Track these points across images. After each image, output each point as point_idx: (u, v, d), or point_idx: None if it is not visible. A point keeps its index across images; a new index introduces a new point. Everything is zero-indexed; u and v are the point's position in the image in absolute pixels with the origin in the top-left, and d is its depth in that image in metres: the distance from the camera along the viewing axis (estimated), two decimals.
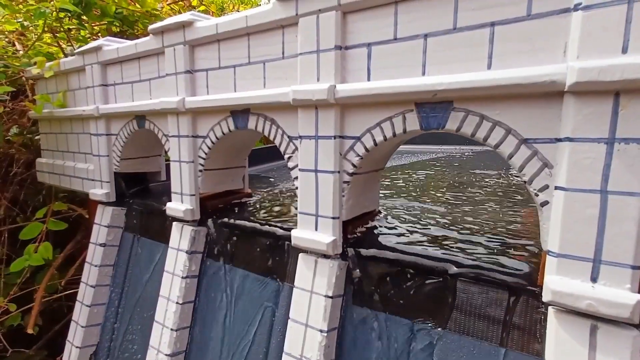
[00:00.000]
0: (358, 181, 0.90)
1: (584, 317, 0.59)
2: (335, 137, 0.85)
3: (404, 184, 1.63)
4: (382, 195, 1.37)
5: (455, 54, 0.69)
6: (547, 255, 0.63)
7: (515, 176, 1.70)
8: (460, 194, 1.42)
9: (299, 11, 0.86)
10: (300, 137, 0.90)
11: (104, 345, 1.47)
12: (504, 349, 0.71)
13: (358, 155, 0.85)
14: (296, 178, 0.94)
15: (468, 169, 1.91)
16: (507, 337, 0.71)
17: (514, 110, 0.65)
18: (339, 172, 0.86)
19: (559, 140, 0.61)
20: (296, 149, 0.94)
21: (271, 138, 1.01)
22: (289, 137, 0.96)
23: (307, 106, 0.87)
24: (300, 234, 0.91)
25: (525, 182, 0.66)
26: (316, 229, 0.90)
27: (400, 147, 2.54)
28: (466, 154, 2.36)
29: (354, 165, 0.86)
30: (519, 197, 1.35)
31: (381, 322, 0.86)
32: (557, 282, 0.60)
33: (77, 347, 1.45)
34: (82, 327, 1.45)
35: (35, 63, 1.64)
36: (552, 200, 0.62)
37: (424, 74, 0.73)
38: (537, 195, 0.64)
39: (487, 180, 1.64)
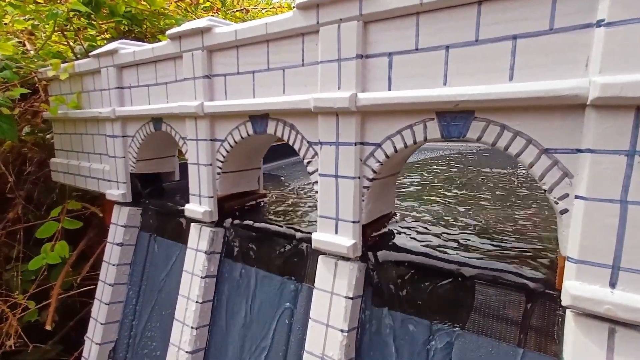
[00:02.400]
0: (377, 186, 0.92)
1: (602, 320, 0.62)
2: (356, 144, 0.87)
3: (414, 183, 1.65)
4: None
5: (477, 65, 0.71)
6: (566, 261, 0.65)
7: (522, 178, 1.72)
8: (472, 194, 1.44)
9: (320, 20, 0.87)
10: (321, 143, 0.92)
11: (123, 342, 1.51)
12: (522, 350, 0.74)
13: (378, 161, 0.87)
14: (316, 182, 0.97)
15: (477, 167, 1.93)
16: (525, 338, 0.74)
17: (534, 121, 0.67)
18: (359, 177, 0.89)
19: (580, 151, 0.63)
20: (316, 154, 0.97)
21: (290, 143, 1.03)
22: (308, 142, 0.98)
23: (328, 113, 0.89)
24: (321, 237, 0.93)
25: (545, 190, 0.68)
26: (336, 232, 0.92)
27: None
28: (474, 151, 2.37)
29: (373, 171, 0.88)
30: (526, 198, 1.37)
31: (399, 323, 0.89)
32: (576, 287, 0.62)
33: (96, 343, 1.49)
34: (101, 324, 1.49)
35: (50, 65, 1.66)
36: (571, 208, 0.65)
37: (445, 84, 0.75)
38: (557, 203, 0.67)
39: (496, 179, 1.66)
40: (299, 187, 1.68)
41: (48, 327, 1.76)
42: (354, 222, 0.89)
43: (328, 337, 0.91)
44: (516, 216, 1.16)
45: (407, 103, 0.77)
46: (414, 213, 1.20)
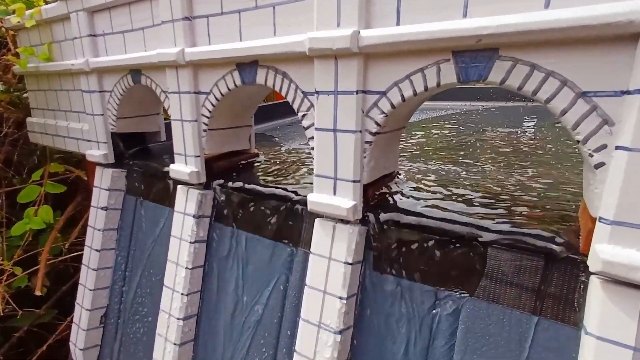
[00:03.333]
0: (380, 141, 0.82)
1: (634, 288, 0.55)
2: (357, 92, 0.76)
3: (415, 144, 1.55)
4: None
5: None
6: (597, 222, 0.57)
7: (530, 138, 1.62)
8: (477, 154, 1.35)
9: None
10: (317, 92, 0.81)
11: (114, 308, 1.47)
12: (536, 317, 0.68)
13: (382, 112, 0.76)
14: (311, 138, 0.87)
15: (482, 126, 1.83)
16: (541, 305, 0.68)
17: (572, 58, 0.57)
18: (360, 131, 0.78)
19: (627, 92, 0.53)
20: (312, 105, 0.86)
21: (283, 94, 0.91)
22: (303, 92, 0.87)
23: (326, 56, 0.77)
24: (318, 199, 0.85)
25: (578, 141, 0.59)
26: (334, 193, 0.83)
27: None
28: (477, 110, 2.26)
29: (377, 124, 0.78)
30: (535, 158, 1.28)
31: (403, 289, 0.82)
32: (608, 251, 0.55)
33: (87, 309, 1.44)
34: (90, 290, 1.44)
35: (14, 11, 1.48)
36: (609, 161, 0.56)
37: (465, 15, 0.63)
38: (592, 156, 0.57)
39: (503, 139, 1.56)
40: (294, 148, 1.58)
41: (38, 293, 1.71)
42: (354, 181, 0.80)
43: (325, 304, 0.85)
44: (526, 177, 1.08)
45: (419, 40, 0.66)
46: (418, 174, 1.11)
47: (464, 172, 1.13)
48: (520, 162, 1.24)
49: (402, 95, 0.73)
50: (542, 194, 0.92)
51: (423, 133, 1.76)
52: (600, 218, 0.57)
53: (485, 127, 1.80)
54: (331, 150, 0.82)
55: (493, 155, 1.34)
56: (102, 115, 1.38)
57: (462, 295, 0.76)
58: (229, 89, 1.01)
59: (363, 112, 0.78)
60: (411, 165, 1.22)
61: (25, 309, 2.01)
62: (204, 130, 1.10)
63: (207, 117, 1.08)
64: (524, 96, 2.07)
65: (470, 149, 1.42)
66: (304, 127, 0.90)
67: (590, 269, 0.57)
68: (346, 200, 0.81)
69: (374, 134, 0.79)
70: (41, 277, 1.76)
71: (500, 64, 0.62)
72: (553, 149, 1.38)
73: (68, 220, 2.09)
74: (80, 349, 1.44)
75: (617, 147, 0.54)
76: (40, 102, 1.71)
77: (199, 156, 1.11)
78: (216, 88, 1.03)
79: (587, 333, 0.58)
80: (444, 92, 2.66)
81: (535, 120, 1.95)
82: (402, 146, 1.50)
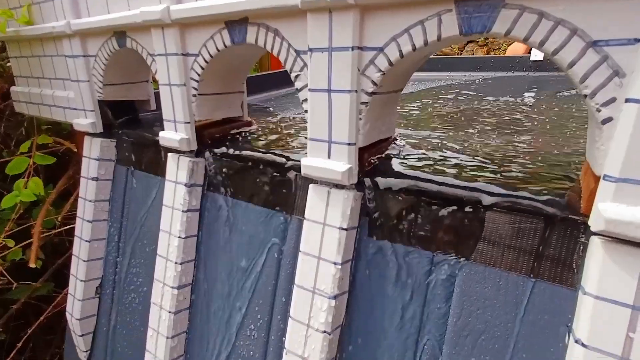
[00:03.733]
0: (377, 103, 0.78)
1: (635, 246, 0.53)
2: (353, 49, 0.71)
3: (413, 112, 1.51)
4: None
5: None
6: (601, 180, 0.55)
7: (529, 106, 1.58)
8: (475, 121, 1.32)
9: None
10: (311, 50, 0.77)
11: (109, 279, 1.46)
12: (533, 280, 0.67)
13: (379, 70, 0.72)
14: (305, 100, 0.83)
15: (481, 96, 1.78)
16: (538, 268, 0.66)
17: (582, 4, 0.52)
18: (356, 91, 0.75)
19: None
20: (305, 65, 0.81)
21: (275, 53, 0.87)
22: (296, 51, 0.82)
23: (319, 9, 0.72)
24: (311, 163, 0.82)
25: (585, 95, 0.56)
26: (329, 157, 0.80)
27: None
28: (476, 80, 2.20)
29: (374, 83, 0.74)
30: (534, 124, 1.25)
31: (398, 255, 0.81)
32: (612, 210, 0.53)
33: (81, 280, 1.44)
34: (84, 261, 1.43)
35: None
36: (618, 116, 0.53)
37: None
38: (599, 110, 0.54)
39: (501, 107, 1.52)
40: (289, 117, 1.53)
41: (32, 265, 1.71)
42: (349, 144, 0.77)
43: (320, 270, 0.84)
44: (526, 143, 1.05)
45: None
46: (416, 140, 1.08)
47: (463, 139, 1.10)
48: (520, 129, 1.21)
49: (401, 51, 0.69)
50: (542, 159, 0.90)
51: (420, 102, 1.72)
52: (604, 176, 0.54)
53: (485, 97, 1.76)
54: (325, 112, 0.78)
55: (492, 122, 1.30)
56: (88, 81, 1.32)
57: (459, 259, 0.74)
58: (218, 50, 0.95)
59: (359, 70, 0.74)
60: (409, 132, 1.19)
61: (21, 282, 2.01)
62: (194, 96, 1.06)
63: (197, 81, 1.03)
64: (524, 66, 2.01)
65: (469, 117, 1.39)
66: (297, 89, 0.85)
67: (592, 229, 0.56)
68: (341, 164, 0.78)
69: (370, 94, 0.75)
70: (35, 249, 1.75)
71: (505, 12, 0.58)
72: (555, 118, 1.35)
73: (61, 194, 2.06)
74: (77, 319, 1.45)
75: (627, 100, 0.51)
76: (24, 69, 1.64)
77: (189, 122, 1.07)
78: (205, 49, 0.98)
79: (585, 293, 0.57)
80: (442, 63, 2.60)
81: (536, 90, 1.91)
82: (399, 114, 1.47)
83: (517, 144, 1.04)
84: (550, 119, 1.33)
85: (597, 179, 0.58)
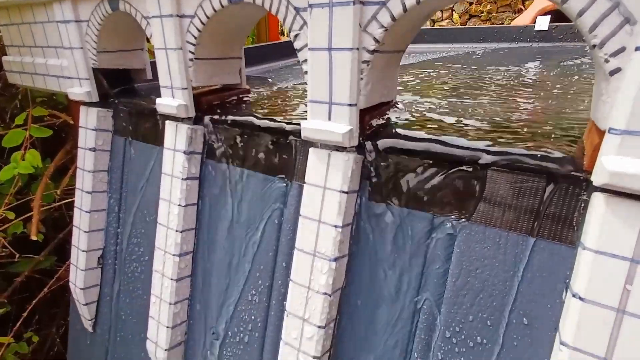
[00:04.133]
0: (379, 62, 0.76)
1: (637, 200, 0.53)
2: (354, 3, 0.69)
3: (414, 81, 1.49)
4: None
5: None
6: (606, 133, 0.54)
7: (531, 74, 1.55)
8: (478, 88, 1.30)
9: None
10: (310, 6, 0.74)
11: (110, 249, 1.47)
12: (533, 239, 0.68)
13: (382, 26, 0.70)
14: (305, 61, 0.81)
15: (483, 65, 1.75)
16: (539, 226, 0.67)
17: None
18: (357, 49, 0.73)
19: None
20: (304, 23, 0.79)
21: (273, 12, 0.84)
22: (295, 8, 0.79)
23: None
24: (312, 125, 0.81)
25: (594, 46, 0.54)
26: (329, 119, 0.79)
27: (408, 46, 2.31)
28: (479, 52, 2.16)
29: (376, 41, 0.72)
30: (536, 91, 1.23)
31: (399, 217, 0.81)
32: (616, 163, 0.52)
33: (83, 250, 1.45)
34: (84, 232, 1.43)
35: None
36: (626, 66, 0.51)
37: None
38: (608, 61, 0.53)
39: (504, 75, 1.50)
40: (288, 87, 1.51)
41: (34, 238, 1.72)
42: (350, 105, 0.76)
43: (320, 233, 0.84)
44: (529, 108, 1.03)
45: None
46: (417, 106, 1.06)
47: (465, 105, 1.08)
48: (523, 96, 1.19)
49: (404, 4, 0.66)
50: (545, 122, 0.89)
51: (422, 73, 1.69)
52: (610, 129, 0.54)
53: (488, 67, 1.73)
54: (326, 72, 0.76)
55: (495, 90, 1.28)
56: (81, 48, 1.29)
57: (459, 220, 0.74)
58: (214, 10, 0.92)
59: (360, 26, 0.71)
60: (410, 99, 1.17)
61: (23, 255, 2.03)
62: (191, 60, 1.03)
63: (193, 45, 1.01)
64: (528, 37, 1.96)
65: (471, 86, 1.37)
66: (297, 50, 0.83)
67: (595, 183, 0.55)
68: (342, 126, 0.77)
69: (372, 52, 0.73)
70: (35, 222, 1.76)
71: None
72: (558, 85, 1.33)
73: (59, 169, 2.05)
74: (81, 288, 1.47)
75: (637, 48, 0.50)
76: (15, 38, 1.59)
77: (186, 88, 1.05)
78: (201, 9, 0.95)
79: (585, 248, 0.58)
80: (445, 35, 2.53)
81: (540, 60, 1.87)
82: (399, 82, 1.44)
83: (520, 109, 1.02)
84: (554, 87, 1.31)
85: (601, 134, 0.57)
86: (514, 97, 1.18)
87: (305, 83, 0.80)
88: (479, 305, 0.73)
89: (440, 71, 1.71)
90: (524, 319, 0.69)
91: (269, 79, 1.76)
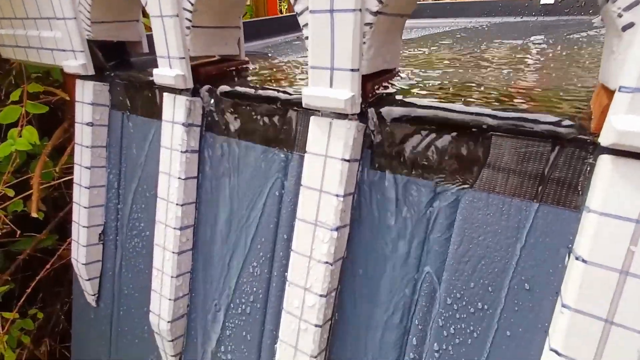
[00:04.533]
0: (382, 25, 0.74)
1: None
2: None
3: (417, 54, 1.45)
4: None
5: None
6: (617, 92, 0.53)
7: (537, 46, 1.52)
8: (482, 59, 1.27)
9: None
10: None
11: (111, 225, 1.47)
12: (537, 204, 0.67)
13: None
14: (305, 25, 0.78)
15: (488, 39, 1.71)
16: (543, 191, 0.66)
17: None
18: (360, 10, 0.70)
19: None
20: None
21: None
22: None
23: None
24: (313, 92, 0.79)
25: (606, 1, 0.52)
26: (331, 85, 0.77)
27: (410, 21, 2.25)
28: (484, 25, 2.11)
29: (379, 1, 0.69)
30: (543, 64, 1.21)
31: (401, 185, 0.81)
32: (626, 122, 0.51)
33: (84, 226, 1.45)
34: (85, 207, 1.43)
35: None
36: None
37: None
38: (620, 15, 0.51)
39: (509, 48, 1.47)
40: (288, 60, 1.47)
41: (34, 214, 1.72)
42: (352, 70, 0.74)
43: (322, 203, 0.84)
44: (533, 78, 1.01)
45: None
46: (420, 76, 1.04)
47: (469, 75, 1.06)
48: (529, 67, 1.16)
49: None
50: (551, 90, 0.87)
51: (425, 47, 1.65)
52: (620, 87, 0.52)
53: (492, 40, 1.69)
54: (327, 36, 0.74)
55: (500, 62, 1.26)
56: (75, 19, 1.25)
57: (462, 187, 0.74)
58: None
59: None
60: (412, 70, 1.14)
61: (25, 234, 2.04)
62: (187, 28, 1.00)
63: (190, 12, 0.97)
64: (533, 11, 1.91)
65: (476, 58, 1.34)
66: (297, 14, 0.80)
67: (603, 144, 0.54)
68: (344, 92, 0.76)
69: (375, 14, 0.70)
70: (35, 199, 1.75)
71: None
72: (564, 57, 1.30)
73: (57, 147, 2.03)
74: (83, 264, 1.48)
75: None
76: (6, 10, 1.55)
77: (183, 58, 1.03)
78: None
79: (590, 211, 0.57)
80: (448, 9, 2.47)
81: (546, 33, 1.83)
82: (402, 56, 1.41)
83: (525, 78, 1.00)
84: (560, 59, 1.28)
85: (610, 95, 0.56)
86: (518, 69, 1.16)
87: (306, 38, 0.78)
88: (480, 271, 0.73)
89: (444, 44, 1.68)
90: (526, 284, 0.69)
91: (269, 54, 1.72)
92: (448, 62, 1.28)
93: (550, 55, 1.33)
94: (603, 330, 0.57)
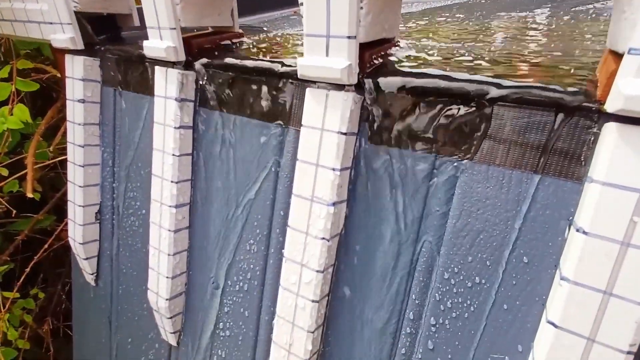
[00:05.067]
0: None
1: None
2: None
3: (418, 28, 1.41)
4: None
5: None
6: (625, 55, 0.50)
7: (540, 20, 1.47)
8: (484, 31, 1.23)
9: None
10: None
11: (107, 204, 1.46)
12: (538, 176, 0.65)
13: None
14: None
15: (490, 11, 1.66)
16: (545, 163, 0.64)
17: None
18: None
19: None
20: None
21: None
22: None
23: None
24: (308, 62, 0.76)
25: None
26: (327, 54, 0.74)
27: None
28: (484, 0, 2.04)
29: None
30: (548, 35, 1.17)
31: (399, 160, 0.79)
32: (635, 86, 0.49)
33: (80, 205, 1.44)
34: (80, 187, 1.41)
35: None
36: None
37: None
38: None
39: (511, 20, 1.42)
40: (284, 34, 1.43)
41: (29, 195, 1.70)
42: (349, 37, 0.71)
43: (318, 177, 0.82)
44: (538, 49, 0.98)
45: None
46: (420, 47, 1.00)
47: (472, 46, 1.02)
48: (534, 38, 1.12)
49: None
50: (556, 60, 0.83)
51: (425, 19, 1.60)
52: (630, 50, 0.50)
53: (494, 13, 1.63)
54: (323, 0, 0.70)
55: (501, 34, 1.21)
56: None
57: (462, 160, 0.72)
58: None
59: None
60: (412, 42, 1.11)
61: (22, 214, 2.03)
62: None
63: None
64: None
65: (477, 30, 1.29)
66: None
67: (609, 110, 0.52)
68: (340, 60, 0.72)
69: None
70: (30, 179, 1.74)
71: None
72: (570, 30, 1.25)
73: (51, 127, 2.00)
74: (80, 243, 1.47)
75: None
76: None
77: (174, 28, 0.99)
78: None
79: (592, 181, 0.55)
80: None
81: (549, 7, 1.77)
82: (401, 30, 1.36)
83: (530, 49, 0.96)
84: (565, 31, 1.24)
85: (618, 60, 0.53)
86: (522, 40, 1.12)
87: (301, 4, 0.74)
88: (478, 246, 0.72)
89: (445, 18, 1.62)
90: (524, 257, 0.68)
91: (264, 28, 1.67)
92: (450, 34, 1.23)
93: (556, 28, 1.29)
94: (601, 302, 0.56)
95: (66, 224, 1.95)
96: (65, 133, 1.85)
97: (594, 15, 1.45)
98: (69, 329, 2.42)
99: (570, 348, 0.58)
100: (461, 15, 1.65)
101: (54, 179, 2.31)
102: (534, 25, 1.34)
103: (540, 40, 1.09)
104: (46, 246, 1.91)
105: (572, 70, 0.72)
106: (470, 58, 0.85)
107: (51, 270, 2.54)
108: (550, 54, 0.90)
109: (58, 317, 2.52)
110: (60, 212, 2.26)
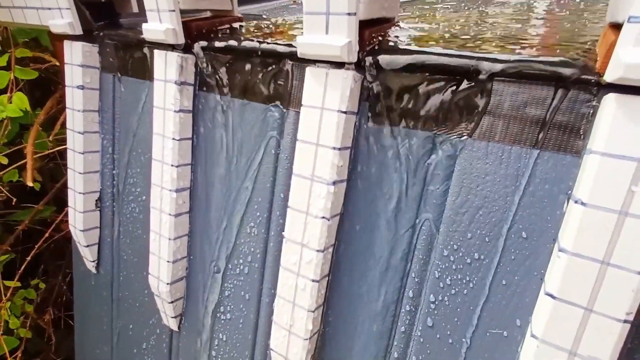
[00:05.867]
0: None
1: None
2: None
3: (417, 15, 1.40)
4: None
5: None
6: (625, 25, 0.50)
7: (544, 7, 1.47)
8: (486, 17, 1.22)
9: None
10: None
11: (107, 191, 1.46)
12: (537, 151, 0.66)
13: None
14: None
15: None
16: (544, 137, 0.65)
17: None
18: None
19: None
20: None
21: None
22: None
23: None
24: (308, 40, 0.76)
25: None
26: (327, 32, 0.74)
27: None
28: None
29: None
30: (548, 18, 1.16)
31: (399, 138, 0.79)
32: (634, 54, 0.49)
33: (80, 193, 1.44)
34: (80, 173, 1.42)
35: None
36: None
37: None
38: None
39: (513, 6, 1.41)
40: (283, 19, 1.42)
41: (29, 183, 1.70)
42: (349, 14, 0.71)
43: (318, 157, 0.82)
44: (539, 30, 0.98)
45: None
46: (419, 28, 1.00)
47: (472, 28, 1.02)
48: (535, 21, 1.12)
49: None
50: (557, 39, 0.84)
51: (424, 7, 1.59)
52: (630, 18, 0.50)
53: (494, 0, 1.63)
54: None
55: (501, 19, 1.21)
56: None
57: (461, 137, 0.72)
58: None
59: None
60: (411, 25, 1.10)
61: (23, 204, 2.04)
62: None
63: None
64: None
65: (477, 16, 1.29)
66: None
67: (608, 79, 0.52)
68: (340, 38, 0.72)
69: None
70: (30, 168, 1.74)
71: None
72: (570, 13, 1.25)
73: (50, 117, 2.00)
74: (80, 230, 1.48)
75: None
76: None
77: (173, 10, 0.98)
78: None
79: (591, 152, 0.56)
80: None
81: None
82: (401, 13, 1.36)
83: (530, 31, 0.96)
84: (566, 15, 1.23)
85: (617, 32, 0.53)
86: (523, 24, 1.12)
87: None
88: (477, 222, 0.72)
89: (444, 4, 1.62)
90: (523, 232, 0.69)
91: (264, 16, 1.66)
92: (450, 19, 1.23)
93: (557, 13, 1.28)
94: (599, 272, 0.57)
95: (66, 215, 1.96)
96: (64, 124, 1.85)
97: (594, 2, 1.45)
98: (70, 320, 2.43)
99: (568, 319, 0.59)
100: (461, 3, 1.65)
101: (53, 169, 2.31)
102: (536, 12, 1.33)
103: (542, 26, 1.09)
104: (46, 235, 1.91)
105: (572, 46, 0.72)
106: (471, 37, 0.85)
107: (52, 262, 2.54)
108: (553, 37, 0.90)
109: (59, 308, 2.53)
110: (60, 203, 2.26)
